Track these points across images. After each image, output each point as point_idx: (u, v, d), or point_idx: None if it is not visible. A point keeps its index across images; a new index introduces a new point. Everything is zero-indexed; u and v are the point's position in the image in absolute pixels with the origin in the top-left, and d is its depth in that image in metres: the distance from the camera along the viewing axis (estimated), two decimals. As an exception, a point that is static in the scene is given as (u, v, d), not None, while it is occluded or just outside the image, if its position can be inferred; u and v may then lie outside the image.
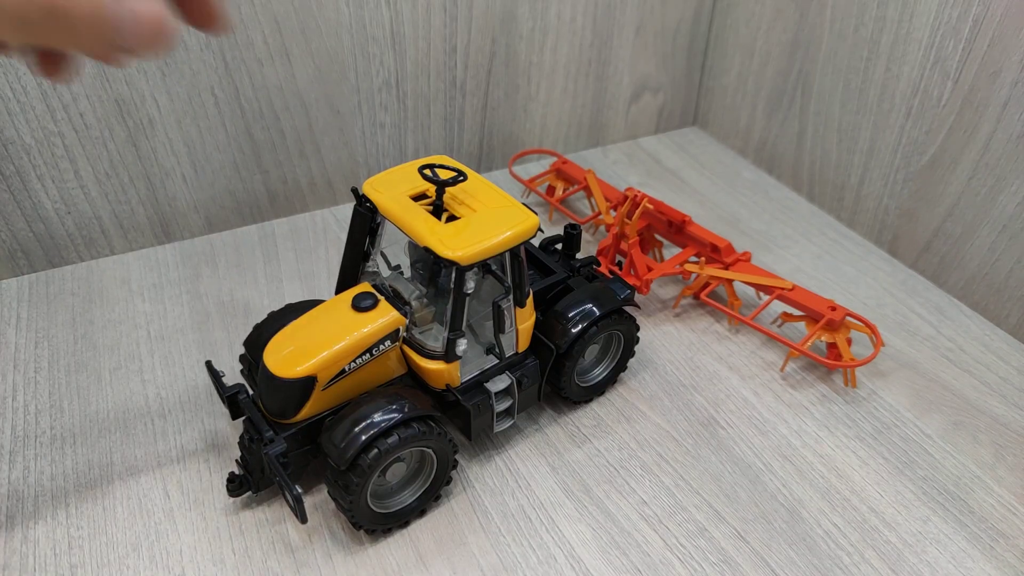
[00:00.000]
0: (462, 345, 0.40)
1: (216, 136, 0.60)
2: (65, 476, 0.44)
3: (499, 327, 0.41)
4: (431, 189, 0.42)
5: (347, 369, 0.40)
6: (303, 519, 0.38)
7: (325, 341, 0.39)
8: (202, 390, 0.49)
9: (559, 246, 0.51)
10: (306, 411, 0.40)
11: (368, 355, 0.40)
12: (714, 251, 0.56)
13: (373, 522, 0.40)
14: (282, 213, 0.65)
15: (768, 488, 0.44)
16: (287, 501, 0.39)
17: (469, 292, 0.39)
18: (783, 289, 0.54)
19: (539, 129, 0.73)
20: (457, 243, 0.38)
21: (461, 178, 0.41)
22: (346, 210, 0.66)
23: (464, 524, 0.42)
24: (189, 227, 0.62)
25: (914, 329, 0.56)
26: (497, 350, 0.43)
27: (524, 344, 0.44)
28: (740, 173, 0.74)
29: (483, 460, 0.45)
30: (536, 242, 0.51)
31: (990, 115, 0.53)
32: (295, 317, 0.42)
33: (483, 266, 0.39)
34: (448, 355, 0.40)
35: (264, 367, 0.39)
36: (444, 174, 0.41)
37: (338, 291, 0.45)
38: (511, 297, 0.41)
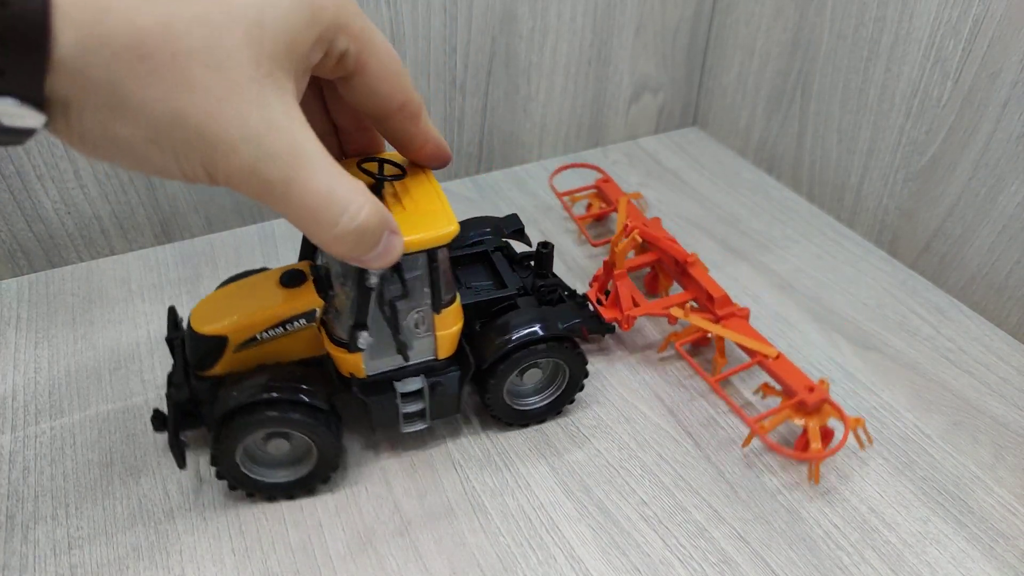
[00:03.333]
0: (363, 338, 0.40)
1: (216, 136, 0.59)
2: (65, 476, 0.44)
3: (393, 327, 0.40)
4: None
5: (259, 338, 0.41)
6: (181, 464, 0.40)
7: (244, 308, 0.41)
8: (202, 390, 0.49)
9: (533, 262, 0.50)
10: (219, 368, 0.41)
11: (281, 329, 0.41)
12: (709, 300, 0.51)
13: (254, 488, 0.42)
14: (282, 213, 0.65)
15: (768, 488, 0.44)
16: (171, 446, 0.41)
17: (371, 287, 0.38)
18: (765, 356, 0.47)
19: (539, 129, 0.73)
20: None
21: (393, 177, 0.40)
22: (346, 210, 0.66)
23: (464, 524, 0.42)
24: (189, 227, 0.62)
25: (914, 329, 0.56)
26: (402, 351, 0.42)
27: (444, 351, 0.43)
28: (740, 173, 0.74)
29: (483, 460, 0.45)
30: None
31: (990, 115, 0.53)
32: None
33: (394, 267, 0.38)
34: (350, 346, 0.40)
35: (188, 320, 0.41)
36: (389, 170, 0.40)
37: (300, 259, 0.45)
38: (427, 301, 0.41)
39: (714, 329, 0.49)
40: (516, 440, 0.47)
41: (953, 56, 0.55)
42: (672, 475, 0.45)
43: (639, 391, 0.50)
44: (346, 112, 0.40)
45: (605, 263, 0.53)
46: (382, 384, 0.42)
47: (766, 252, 0.63)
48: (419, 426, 0.44)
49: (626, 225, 0.53)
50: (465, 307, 0.44)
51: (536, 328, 0.44)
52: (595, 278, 0.54)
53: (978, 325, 0.56)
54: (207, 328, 0.40)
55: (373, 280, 0.38)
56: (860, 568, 0.40)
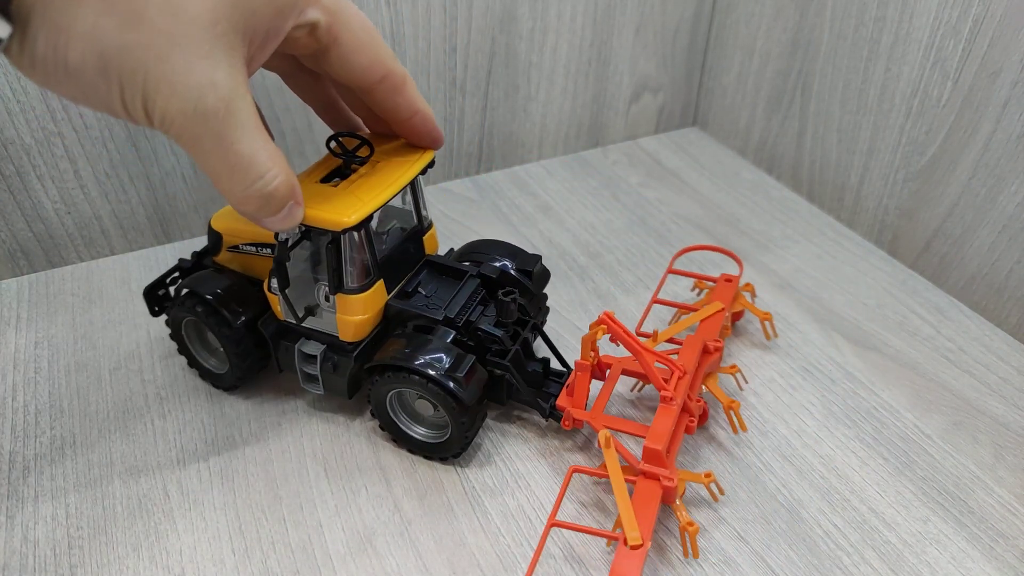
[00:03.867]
0: (273, 284, 0.43)
1: (216, 136, 0.59)
2: (65, 476, 0.44)
3: (281, 281, 0.42)
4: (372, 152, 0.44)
5: (240, 248, 0.47)
6: (152, 311, 0.48)
7: (243, 222, 0.45)
8: (202, 390, 0.49)
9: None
10: (219, 258, 0.48)
11: (254, 248, 0.46)
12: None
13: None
14: (282, 213, 0.65)
15: (768, 488, 0.44)
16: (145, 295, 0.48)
17: (280, 240, 0.41)
18: (617, 538, 0.38)
19: (539, 129, 0.73)
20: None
21: (358, 158, 0.43)
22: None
23: (464, 524, 0.42)
24: (189, 227, 0.62)
25: (914, 329, 0.56)
26: (291, 310, 0.44)
27: (345, 334, 0.44)
28: (740, 173, 0.74)
29: (483, 460, 0.45)
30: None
31: (990, 115, 0.53)
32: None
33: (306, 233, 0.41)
34: (269, 286, 0.45)
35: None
36: (364, 150, 0.43)
37: None
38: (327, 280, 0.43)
39: (613, 479, 0.39)
40: (516, 440, 0.47)
41: (953, 56, 0.55)
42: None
43: (639, 391, 0.50)
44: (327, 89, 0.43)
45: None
46: (293, 334, 0.46)
47: (766, 252, 0.63)
48: (314, 390, 0.46)
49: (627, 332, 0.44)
50: (390, 308, 0.45)
51: (402, 355, 0.42)
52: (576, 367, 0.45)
53: (978, 325, 0.56)
54: (215, 224, 0.47)
55: (283, 235, 0.41)
56: (860, 568, 0.40)
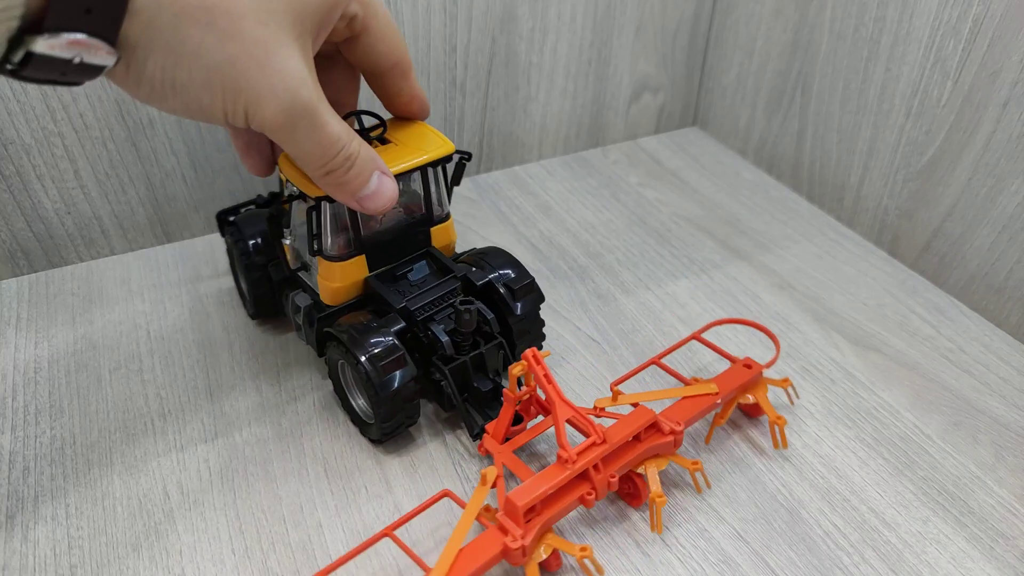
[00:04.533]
0: (287, 237, 0.48)
1: (216, 136, 0.59)
2: (65, 476, 0.44)
3: (272, 232, 0.49)
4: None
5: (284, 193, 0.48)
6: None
7: (291, 167, 0.45)
8: (202, 390, 0.49)
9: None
10: (284, 202, 0.48)
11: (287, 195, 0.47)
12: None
13: None
14: (282, 213, 0.65)
15: (768, 488, 0.44)
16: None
17: (283, 196, 0.46)
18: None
19: (539, 129, 0.73)
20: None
21: (373, 130, 0.45)
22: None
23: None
24: (189, 227, 0.62)
25: (914, 329, 0.56)
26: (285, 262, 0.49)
27: (324, 297, 0.46)
28: (740, 173, 0.74)
29: (483, 460, 0.45)
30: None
31: (990, 115, 0.53)
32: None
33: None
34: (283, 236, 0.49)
35: None
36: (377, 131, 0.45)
37: None
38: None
39: (464, 515, 0.38)
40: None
41: (953, 56, 0.55)
42: (672, 475, 0.45)
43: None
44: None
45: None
46: (293, 284, 0.49)
47: (766, 252, 0.63)
48: (301, 339, 0.49)
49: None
50: (368, 285, 0.46)
51: (346, 329, 0.43)
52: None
53: (978, 325, 0.56)
54: (279, 164, 0.45)
55: (285, 194, 0.45)
56: (860, 568, 0.40)
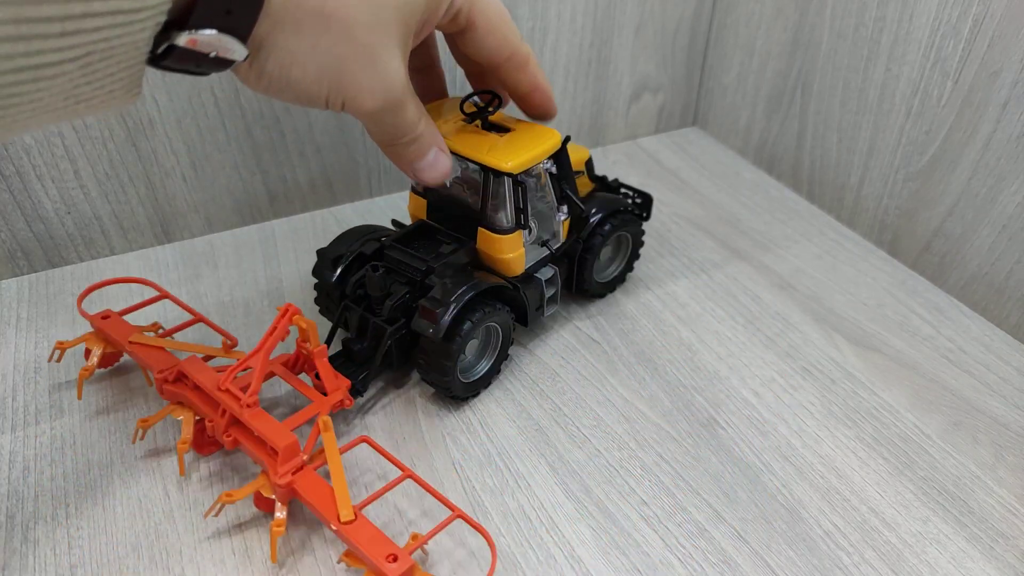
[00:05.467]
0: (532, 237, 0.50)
1: (216, 136, 0.60)
2: (65, 476, 0.44)
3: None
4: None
5: None
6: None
7: None
8: (202, 390, 0.49)
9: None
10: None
11: None
12: (272, 452, 0.40)
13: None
14: (282, 213, 0.65)
15: (768, 488, 0.44)
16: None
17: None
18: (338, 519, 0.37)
19: (539, 129, 0.73)
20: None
21: (491, 109, 0.47)
22: (346, 210, 0.66)
23: (464, 524, 0.42)
24: (189, 227, 0.62)
25: (914, 329, 0.56)
26: (550, 239, 0.51)
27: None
28: (740, 173, 0.74)
29: (483, 460, 0.45)
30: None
31: (990, 115, 0.53)
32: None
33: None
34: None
35: None
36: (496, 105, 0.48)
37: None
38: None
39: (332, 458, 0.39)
40: (516, 440, 0.47)
41: (953, 56, 0.55)
42: (672, 475, 0.45)
43: (639, 391, 0.50)
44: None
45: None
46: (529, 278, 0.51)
47: (766, 252, 0.63)
48: (554, 308, 0.53)
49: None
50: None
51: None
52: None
53: (978, 325, 0.56)
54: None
55: (531, 183, 0.48)
56: (860, 568, 0.40)
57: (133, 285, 0.57)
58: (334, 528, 0.37)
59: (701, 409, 0.49)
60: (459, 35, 0.42)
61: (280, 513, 0.39)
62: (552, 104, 0.48)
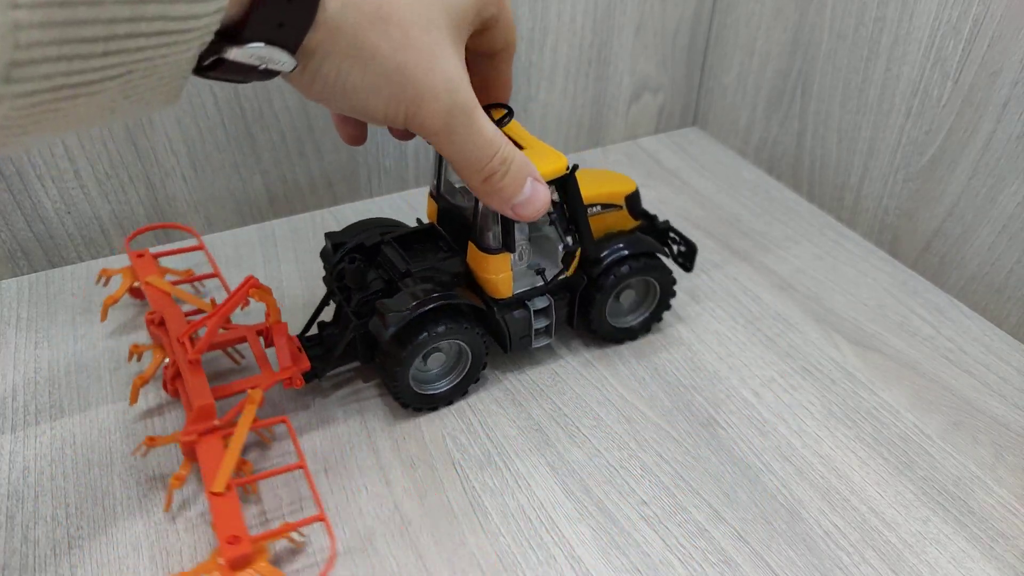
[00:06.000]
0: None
1: (216, 136, 0.60)
2: (65, 476, 0.44)
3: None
4: None
5: None
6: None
7: None
8: (202, 390, 0.49)
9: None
10: None
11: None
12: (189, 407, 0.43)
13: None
14: (282, 213, 0.65)
15: (768, 488, 0.44)
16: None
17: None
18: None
19: (539, 129, 0.73)
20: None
21: (508, 118, 0.45)
22: (346, 210, 0.66)
23: (464, 524, 0.42)
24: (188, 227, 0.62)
25: (914, 329, 0.56)
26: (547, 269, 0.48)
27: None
28: (740, 173, 0.74)
29: (483, 460, 0.45)
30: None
31: (990, 115, 0.53)
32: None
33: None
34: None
35: None
36: (495, 113, 0.45)
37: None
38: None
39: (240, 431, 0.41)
40: (516, 440, 0.47)
41: (953, 56, 0.55)
42: (672, 475, 0.45)
43: (639, 391, 0.50)
44: None
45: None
46: (515, 304, 0.49)
47: (766, 252, 0.63)
48: (545, 341, 0.50)
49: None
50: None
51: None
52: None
53: (978, 325, 0.56)
54: None
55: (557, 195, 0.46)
56: (860, 568, 0.40)
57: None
58: (206, 495, 0.39)
59: (701, 409, 0.49)
60: (483, 31, 0.40)
61: (182, 469, 0.41)
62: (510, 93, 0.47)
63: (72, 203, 0.57)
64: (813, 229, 0.66)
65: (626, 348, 0.53)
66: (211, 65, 0.29)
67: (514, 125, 0.46)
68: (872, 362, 0.53)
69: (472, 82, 0.43)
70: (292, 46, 0.31)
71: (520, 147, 0.44)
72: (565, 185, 0.45)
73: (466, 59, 0.45)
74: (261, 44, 0.29)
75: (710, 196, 0.71)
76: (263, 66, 0.30)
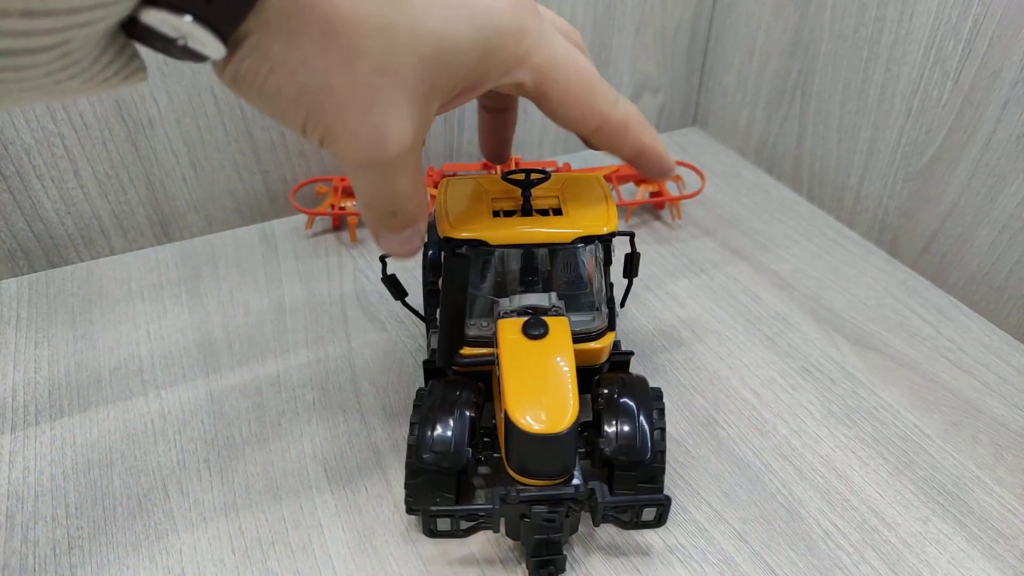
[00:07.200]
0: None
1: (216, 136, 0.60)
2: (65, 476, 0.44)
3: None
4: (497, 197, 0.42)
5: None
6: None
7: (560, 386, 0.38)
8: (201, 390, 0.49)
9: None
10: None
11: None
12: None
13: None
14: (282, 213, 0.65)
15: (768, 488, 0.44)
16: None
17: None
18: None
19: (539, 130, 0.73)
20: (591, 222, 0.40)
21: (545, 176, 0.42)
22: (346, 210, 0.67)
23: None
24: (189, 227, 0.62)
25: (914, 329, 0.56)
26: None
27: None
28: (740, 173, 0.74)
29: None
30: None
31: (990, 115, 0.53)
32: None
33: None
34: (612, 323, 0.43)
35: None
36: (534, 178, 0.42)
37: (445, 360, 0.43)
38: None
39: None
40: (516, 440, 0.47)
41: (953, 56, 0.55)
42: (672, 475, 0.45)
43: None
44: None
45: None
46: None
47: (766, 252, 0.63)
48: None
49: None
50: None
51: None
52: None
53: (978, 325, 0.56)
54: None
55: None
56: (860, 568, 0.40)
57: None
58: None
59: (701, 409, 0.49)
60: (534, 101, 0.36)
61: None
62: (664, 162, 0.40)
63: (72, 203, 0.57)
64: (813, 229, 0.66)
65: (626, 348, 0.53)
66: (128, 23, 0.26)
67: (578, 180, 0.43)
68: (872, 362, 0.53)
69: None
70: (223, 30, 0.27)
71: (555, 209, 0.41)
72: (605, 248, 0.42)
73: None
74: (177, 14, 0.25)
75: (710, 196, 0.70)
76: (181, 41, 0.26)
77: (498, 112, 0.42)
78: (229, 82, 0.30)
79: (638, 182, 0.66)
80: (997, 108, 0.53)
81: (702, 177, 0.67)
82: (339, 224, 0.64)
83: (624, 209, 0.65)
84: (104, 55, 0.26)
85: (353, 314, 0.55)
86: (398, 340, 0.53)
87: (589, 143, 0.39)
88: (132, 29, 0.26)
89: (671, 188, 0.68)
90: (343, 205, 0.63)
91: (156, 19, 0.26)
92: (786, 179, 0.73)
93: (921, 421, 0.49)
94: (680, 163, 0.66)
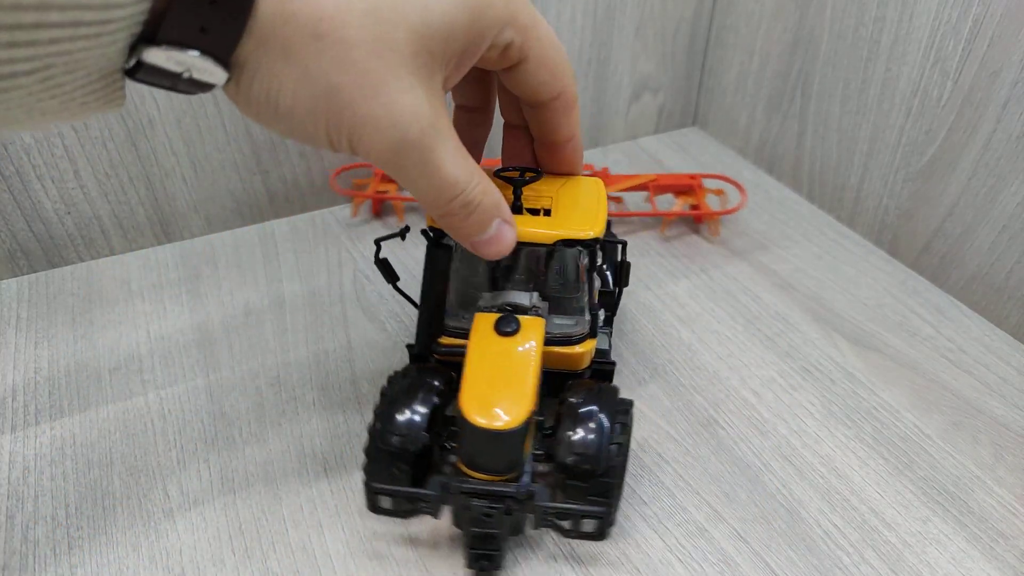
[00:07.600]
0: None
1: (216, 136, 0.60)
2: (65, 476, 0.44)
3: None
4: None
5: None
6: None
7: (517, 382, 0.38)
8: (201, 390, 0.49)
9: None
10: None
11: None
12: None
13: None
14: (282, 213, 0.65)
15: (768, 488, 0.44)
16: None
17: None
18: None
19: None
20: (576, 225, 0.40)
21: (537, 175, 0.42)
22: (346, 211, 0.66)
23: (464, 524, 0.42)
24: (189, 227, 0.62)
25: (914, 329, 0.56)
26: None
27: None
28: (740, 173, 0.74)
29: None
30: None
31: (990, 115, 0.53)
32: None
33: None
34: (593, 330, 0.43)
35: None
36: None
37: (424, 344, 0.43)
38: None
39: None
40: (516, 440, 0.47)
41: (953, 56, 0.55)
42: (672, 475, 0.45)
43: (639, 391, 0.50)
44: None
45: None
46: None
47: (766, 252, 0.63)
48: None
49: None
50: None
51: None
52: None
53: (978, 325, 0.56)
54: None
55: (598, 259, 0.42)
56: (860, 568, 0.40)
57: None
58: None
59: (701, 409, 0.49)
60: (509, 70, 0.37)
61: None
62: (581, 156, 0.42)
63: (72, 203, 0.57)
64: (813, 229, 0.66)
65: (625, 349, 0.53)
66: (135, 68, 0.27)
67: (571, 183, 0.42)
68: (872, 362, 0.53)
69: (534, 137, 0.41)
70: (222, 56, 0.28)
71: (546, 210, 0.41)
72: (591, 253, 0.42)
73: (523, 112, 0.41)
74: (181, 49, 0.27)
75: (709, 196, 0.70)
76: (188, 74, 0.28)
77: (474, 112, 0.42)
78: (245, 106, 0.31)
79: (677, 193, 0.66)
80: (997, 108, 0.53)
81: (742, 191, 0.66)
82: (379, 210, 0.65)
83: (659, 220, 0.65)
84: (91, 84, 0.26)
85: (353, 314, 0.55)
86: (398, 340, 0.53)
87: (538, 113, 0.39)
88: (135, 71, 0.27)
89: (711, 202, 0.67)
90: (382, 190, 0.63)
91: (161, 57, 0.27)
92: (786, 179, 0.73)
93: (921, 421, 0.49)
94: (722, 178, 0.67)
